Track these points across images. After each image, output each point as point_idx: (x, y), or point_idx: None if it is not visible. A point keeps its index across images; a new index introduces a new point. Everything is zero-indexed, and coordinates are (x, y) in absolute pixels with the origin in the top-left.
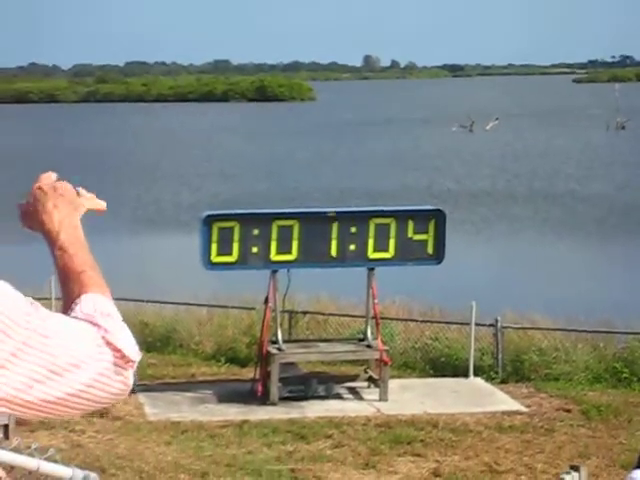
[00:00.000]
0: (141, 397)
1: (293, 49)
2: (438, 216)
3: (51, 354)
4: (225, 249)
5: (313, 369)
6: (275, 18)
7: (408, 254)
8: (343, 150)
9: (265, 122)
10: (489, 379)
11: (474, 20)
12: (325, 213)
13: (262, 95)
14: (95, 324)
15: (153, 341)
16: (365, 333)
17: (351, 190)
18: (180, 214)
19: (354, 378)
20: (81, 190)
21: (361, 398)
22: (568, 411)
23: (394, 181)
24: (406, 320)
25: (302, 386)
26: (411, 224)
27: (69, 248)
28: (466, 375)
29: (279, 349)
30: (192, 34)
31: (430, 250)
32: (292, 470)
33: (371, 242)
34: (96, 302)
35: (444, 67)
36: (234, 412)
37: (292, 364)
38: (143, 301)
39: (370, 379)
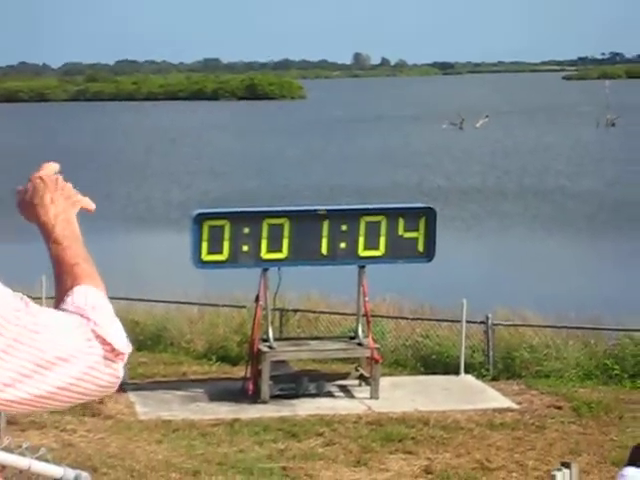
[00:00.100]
0: (132, 396)
1: (283, 47)
2: (428, 214)
3: (41, 349)
4: (216, 247)
5: (304, 367)
6: (265, 16)
7: (399, 252)
8: (333, 148)
9: (255, 120)
10: (480, 376)
11: (464, 18)
12: (316, 211)
13: (252, 93)
14: (84, 317)
15: (144, 340)
16: (356, 331)
17: (341, 188)
18: (170, 212)
19: (345, 376)
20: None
21: (352, 396)
22: (559, 408)
23: (384, 178)
24: (397, 318)
25: (293, 384)
26: (401, 222)
27: (63, 241)
28: (457, 372)
29: (270, 347)
30: (182, 32)
31: (421, 248)
32: (283, 468)
33: (362, 240)
34: (88, 294)
35: (434, 65)
36: (225, 410)
37: (283, 362)
38: (134, 300)
39: (361, 377)
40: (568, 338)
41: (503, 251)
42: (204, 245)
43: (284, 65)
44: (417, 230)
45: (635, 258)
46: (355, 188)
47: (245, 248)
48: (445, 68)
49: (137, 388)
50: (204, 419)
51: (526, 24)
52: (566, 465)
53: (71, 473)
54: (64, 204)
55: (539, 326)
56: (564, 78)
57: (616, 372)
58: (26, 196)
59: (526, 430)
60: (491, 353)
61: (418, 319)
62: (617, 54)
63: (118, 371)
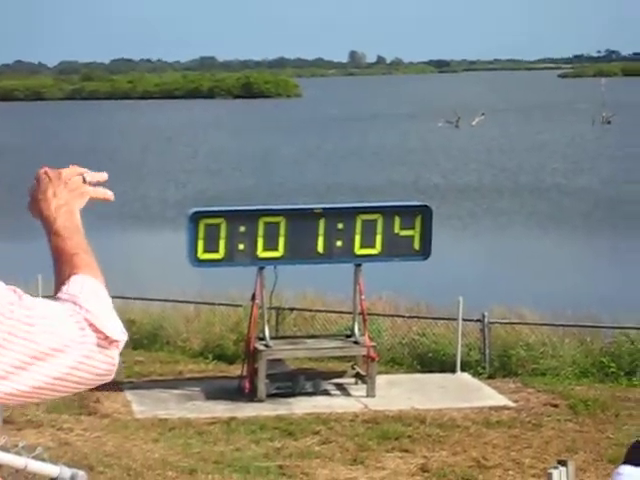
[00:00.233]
0: (128, 395)
1: (279, 45)
2: (425, 212)
3: (35, 341)
4: (212, 246)
5: (300, 366)
6: (261, 14)
7: (395, 250)
8: (329, 146)
9: (251, 118)
10: (476, 374)
11: (460, 16)
12: (312, 209)
13: (248, 92)
14: (77, 304)
15: (140, 338)
16: (352, 329)
17: (337, 186)
18: (166, 211)
19: (341, 374)
20: (89, 174)
21: (348, 394)
22: (555, 406)
23: (380, 177)
24: (393, 316)
25: (289, 383)
26: (398, 220)
27: (64, 232)
28: (453, 370)
29: (266, 346)
30: (178, 31)
31: (417, 246)
32: (280, 467)
33: (358, 238)
34: (84, 283)
35: (430, 63)
36: (222, 409)
37: (279, 361)
38: (130, 298)
39: (357, 375)
40: (564, 336)
41: (499, 249)
42: (200, 243)
43: (280, 63)
44: (413, 228)
45: (631, 255)
46: (351, 186)
47: (241, 246)
48: (441, 66)
49: (133, 387)
50: (200, 418)
51: (522, 22)
52: (563, 463)
53: (67, 472)
54: (67, 197)
55: (535, 324)
56: (560, 76)
57: (612, 370)
58: (32, 192)
59: (522, 428)
60: (487, 351)
61: (414, 317)
62: (613, 52)
63: (114, 358)
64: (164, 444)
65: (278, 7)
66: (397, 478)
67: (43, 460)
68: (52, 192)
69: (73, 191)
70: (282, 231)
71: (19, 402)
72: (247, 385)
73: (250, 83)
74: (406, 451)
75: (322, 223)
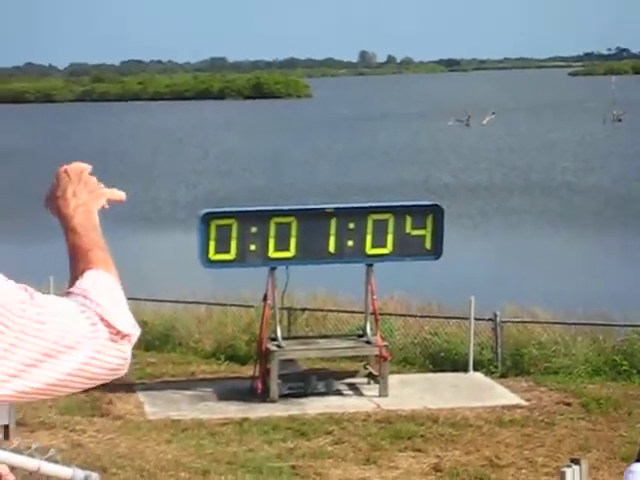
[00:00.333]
0: (141, 396)
1: (289, 46)
2: (436, 211)
3: (46, 339)
4: (223, 247)
5: (312, 366)
6: (271, 15)
7: (406, 250)
8: (340, 146)
9: (262, 119)
10: (489, 373)
11: (470, 15)
12: (323, 209)
13: (258, 92)
14: (88, 298)
15: (152, 340)
16: (364, 329)
17: (348, 186)
18: (177, 212)
19: (354, 374)
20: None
21: (361, 394)
22: (568, 404)
23: (391, 176)
24: (405, 316)
25: (302, 383)
26: (409, 219)
27: (81, 229)
28: (466, 370)
29: (278, 346)
30: (188, 32)
31: (428, 245)
32: (293, 467)
33: (369, 238)
34: (98, 278)
35: (440, 62)
36: (234, 410)
37: (291, 361)
38: (141, 300)
39: (370, 375)
40: (576, 334)
41: (510, 248)
42: (211, 244)
43: (290, 64)
44: (425, 228)
45: None
46: (362, 186)
47: (253, 247)
48: (451, 65)
49: (146, 388)
50: (213, 418)
51: (532, 20)
52: (575, 461)
53: (80, 474)
54: (86, 197)
55: (547, 323)
56: (570, 74)
57: (625, 368)
58: (51, 190)
59: (535, 427)
60: (499, 350)
61: (426, 317)
62: (623, 50)
63: (126, 353)
64: (177, 445)
65: (288, 8)
66: (410, 478)
67: (56, 462)
68: (72, 191)
69: (92, 192)
70: (293, 231)
71: (33, 399)
72: (259, 386)
73: (260, 84)
74: (419, 450)
75: (333, 223)
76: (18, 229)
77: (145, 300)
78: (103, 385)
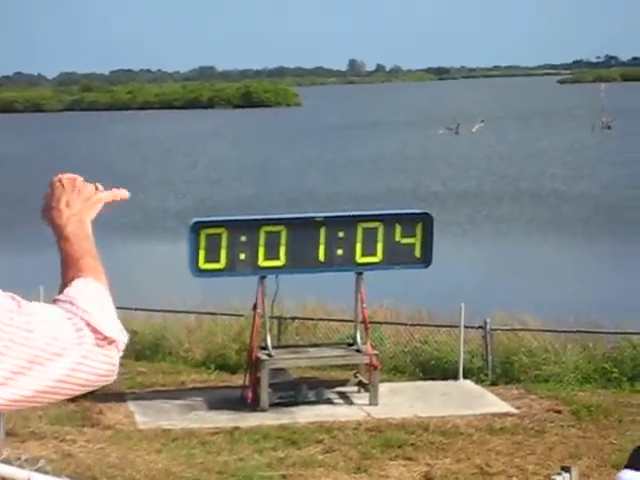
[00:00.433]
0: (131, 405)
1: (278, 54)
2: (425, 219)
3: (35, 347)
4: (213, 256)
5: (303, 374)
6: (260, 24)
7: (396, 258)
8: (329, 154)
9: (251, 128)
10: (479, 381)
11: (459, 23)
12: (312, 218)
13: (248, 101)
14: (74, 305)
15: (142, 349)
16: (354, 338)
17: (338, 194)
18: (167, 221)
19: (344, 383)
20: (99, 186)
21: (351, 403)
22: (558, 412)
23: (380, 184)
24: (395, 324)
25: (292, 392)
26: (399, 228)
27: (73, 238)
28: (456, 378)
29: (269, 355)
30: (177, 41)
31: (418, 253)
32: (284, 476)
33: (359, 246)
34: (86, 286)
35: (429, 70)
36: (224, 419)
37: (282, 370)
38: (131, 309)
39: (360, 383)
40: (567, 342)
41: (500, 255)
42: (201, 253)
43: (279, 72)
44: (414, 236)
45: (632, 261)
46: (351, 195)
47: (242, 256)
48: (440, 73)
49: (136, 398)
50: (203, 428)
51: (521, 28)
52: (566, 469)
53: None
54: (80, 206)
55: (537, 330)
56: (559, 82)
57: (615, 375)
58: (46, 200)
59: (526, 434)
60: (490, 358)
61: (417, 325)
62: (612, 57)
63: (113, 358)
64: (167, 455)
65: (277, 16)
66: None
67: (46, 472)
68: (65, 201)
69: (86, 200)
70: (283, 240)
71: (22, 407)
72: (250, 395)
73: (250, 92)
74: (409, 459)
75: (323, 232)
76: (8, 238)
77: (135, 309)
78: (93, 395)
